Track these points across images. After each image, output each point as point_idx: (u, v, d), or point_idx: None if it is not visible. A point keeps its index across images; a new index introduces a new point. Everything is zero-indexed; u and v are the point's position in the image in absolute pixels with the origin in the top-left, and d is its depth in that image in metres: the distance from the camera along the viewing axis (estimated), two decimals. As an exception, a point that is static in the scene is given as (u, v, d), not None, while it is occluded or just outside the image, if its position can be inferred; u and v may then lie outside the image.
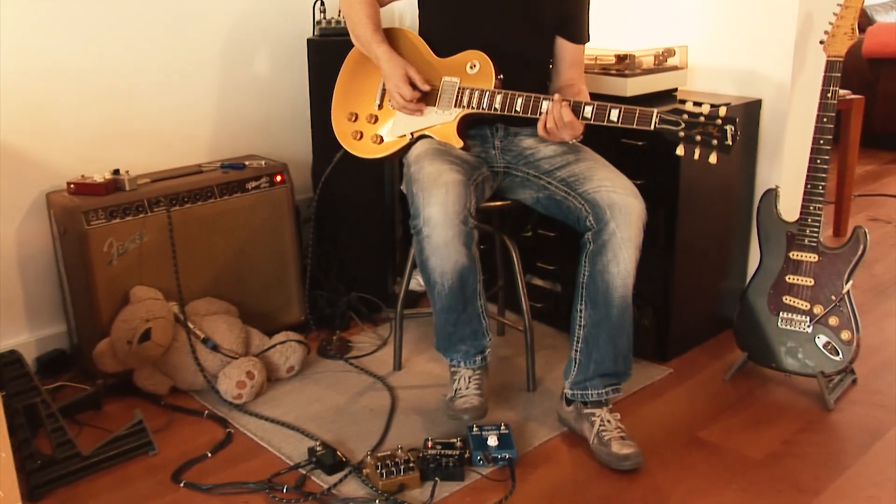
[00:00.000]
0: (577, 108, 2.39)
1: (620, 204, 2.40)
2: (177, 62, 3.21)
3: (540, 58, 2.71)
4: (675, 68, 3.13)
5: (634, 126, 2.30)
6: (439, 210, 2.35)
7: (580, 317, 2.51)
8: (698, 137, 2.23)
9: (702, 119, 2.23)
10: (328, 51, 3.15)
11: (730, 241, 3.20)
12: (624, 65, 3.03)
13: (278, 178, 3.16)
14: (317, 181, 3.43)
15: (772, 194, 2.83)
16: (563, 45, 2.71)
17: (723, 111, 2.22)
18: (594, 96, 2.56)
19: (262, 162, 3.19)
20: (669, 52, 3.13)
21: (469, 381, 2.59)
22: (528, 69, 2.65)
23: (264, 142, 3.49)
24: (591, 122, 2.38)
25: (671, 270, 2.96)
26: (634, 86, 2.96)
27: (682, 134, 2.26)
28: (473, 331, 2.57)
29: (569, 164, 2.56)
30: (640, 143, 2.87)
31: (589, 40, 2.75)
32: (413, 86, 2.58)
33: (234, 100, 3.41)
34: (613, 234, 2.39)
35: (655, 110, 2.28)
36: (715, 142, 2.22)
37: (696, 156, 2.25)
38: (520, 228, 3.25)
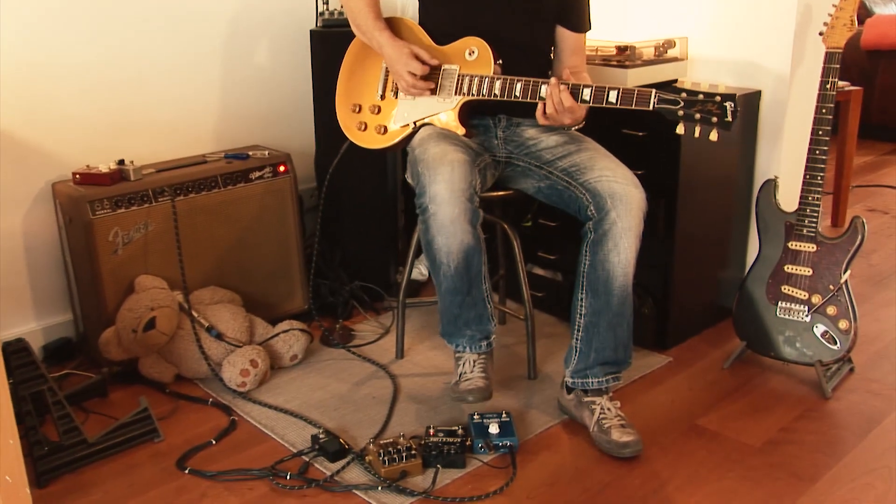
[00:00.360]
0: (575, 91, 2.37)
1: (621, 193, 2.39)
2: (181, 53, 3.20)
3: (540, 45, 2.70)
4: (675, 59, 3.12)
5: (633, 107, 2.29)
6: (445, 187, 2.34)
7: (581, 305, 2.50)
8: (698, 115, 2.22)
9: (700, 97, 2.22)
10: (331, 42, 3.14)
11: (729, 231, 3.19)
12: (624, 56, 3.02)
13: (281, 168, 3.15)
14: (320, 171, 3.45)
15: (771, 185, 2.82)
16: (564, 34, 2.70)
17: (722, 88, 2.21)
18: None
19: (266, 152, 3.18)
20: (669, 44, 3.12)
21: (474, 365, 2.57)
22: (527, 56, 2.65)
23: (268, 132, 3.49)
24: (591, 104, 2.37)
25: (671, 260, 2.95)
26: (635, 77, 2.94)
27: (681, 113, 2.24)
28: (479, 314, 2.55)
29: (570, 153, 2.55)
30: (640, 134, 2.86)
31: (590, 28, 2.74)
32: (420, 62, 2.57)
33: (238, 91, 3.39)
34: (614, 223, 2.39)
35: (654, 90, 2.27)
36: (715, 119, 2.21)
37: (697, 133, 2.24)
38: (520, 218, 3.24)
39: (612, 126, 2.89)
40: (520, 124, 2.67)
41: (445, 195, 2.34)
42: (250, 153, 3.16)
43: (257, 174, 3.10)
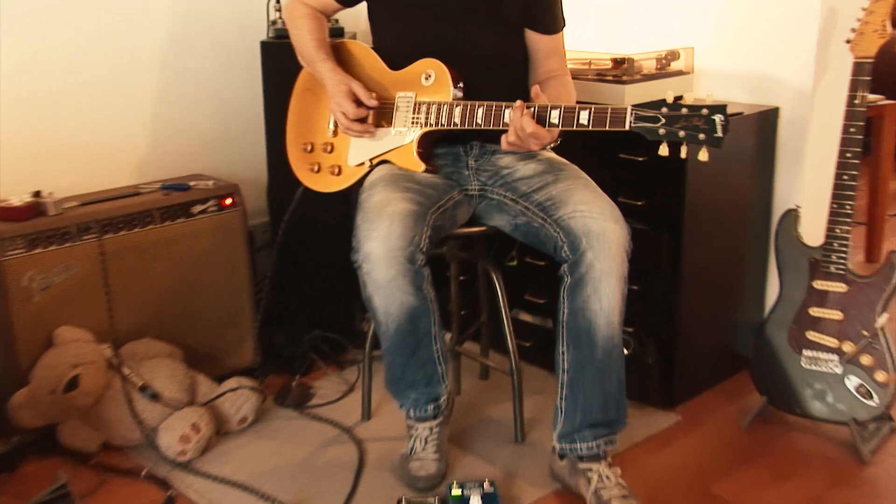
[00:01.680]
0: (541, 115, 2.37)
1: (597, 231, 2.38)
2: (109, 67, 3.21)
3: (511, 55, 2.70)
4: (679, 73, 3.14)
5: (608, 128, 2.28)
6: (380, 245, 2.36)
7: (563, 360, 2.50)
8: (682, 133, 2.20)
9: (684, 112, 2.20)
10: (284, 54, 3.07)
11: (744, 269, 3.20)
12: (621, 70, 3.02)
13: (228, 201, 3.16)
14: (273, 203, 3.50)
15: (792, 216, 2.81)
16: (536, 38, 2.70)
17: (709, 100, 2.21)
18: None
19: (210, 182, 3.19)
20: (673, 55, 3.13)
21: (426, 443, 2.63)
22: (498, 70, 2.66)
23: (212, 159, 3.50)
24: (560, 127, 2.36)
25: (677, 301, 2.95)
26: (633, 94, 2.95)
27: (662, 131, 2.22)
28: (426, 377, 2.58)
29: (546, 185, 2.54)
30: (640, 159, 2.86)
31: (564, 25, 2.74)
32: (358, 103, 2.61)
33: (177, 111, 3.41)
34: (591, 265, 2.37)
35: (630, 107, 2.26)
36: (702, 135, 2.18)
37: (683, 154, 2.22)
38: (504, 256, 3.25)
39: (608, 150, 2.90)
40: (494, 152, 2.68)
41: (380, 254, 2.36)
42: (192, 183, 3.17)
43: (200, 208, 3.10)
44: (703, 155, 2.19)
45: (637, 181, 2.86)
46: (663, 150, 2.23)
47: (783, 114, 3.09)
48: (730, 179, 3.01)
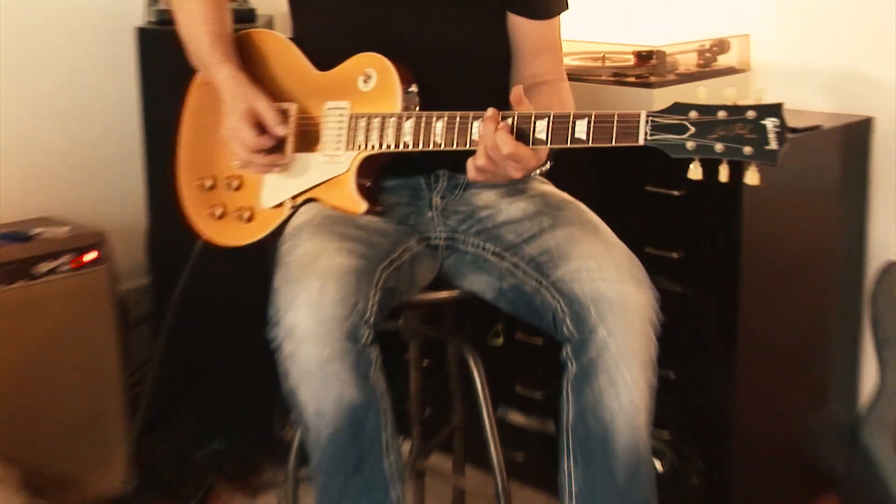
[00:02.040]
0: (523, 129, 2.18)
1: (611, 297, 2.23)
2: None
3: (487, 50, 2.59)
4: (730, 70, 3.09)
5: (614, 143, 2.10)
6: (308, 315, 2.18)
7: (570, 481, 2.31)
8: (719, 146, 1.98)
9: (721, 115, 1.99)
10: (170, 45, 2.86)
11: (827, 346, 3.12)
12: (648, 67, 2.96)
13: (90, 256, 3.09)
14: (155, 258, 3.47)
15: (894, 270, 2.74)
16: (522, 26, 2.57)
17: (758, 98, 1.99)
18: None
19: (63, 229, 3.11)
20: (721, 47, 3.08)
21: None
22: (469, 70, 2.54)
23: (67, 196, 3.43)
24: (549, 145, 2.20)
25: (732, 392, 2.84)
26: (665, 100, 2.74)
27: (691, 145, 2.00)
28: (375, 502, 2.38)
29: (542, 232, 2.37)
30: (675, 193, 2.78)
31: (567, 8, 2.62)
32: (262, 128, 2.48)
33: (15, 128, 3.34)
34: (605, 346, 2.21)
35: (644, 113, 2.06)
36: (748, 148, 1.96)
37: (725, 176, 2.01)
38: (485, 332, 3.10)
39: (630, 181, 2.85)
40: (468, 186, 2.50)
41: (308, 327, 2.18)
42: (36, 231, 3.10)
43: (48, 266, 3.03)
44: (753, 177, 1.97)
45: (671, 224, 2.80)
46: (695, 172, 2.03)
47: (879, 126, 3.02)
48: (804, 219, 2.94)
